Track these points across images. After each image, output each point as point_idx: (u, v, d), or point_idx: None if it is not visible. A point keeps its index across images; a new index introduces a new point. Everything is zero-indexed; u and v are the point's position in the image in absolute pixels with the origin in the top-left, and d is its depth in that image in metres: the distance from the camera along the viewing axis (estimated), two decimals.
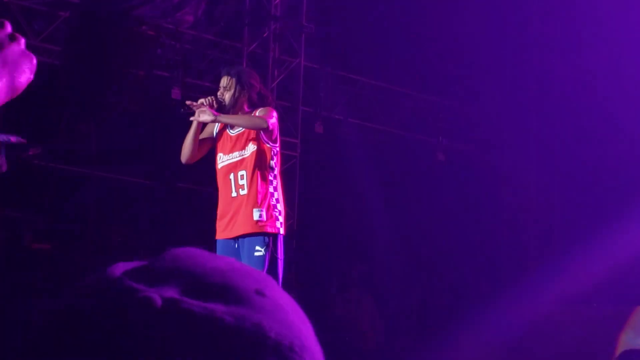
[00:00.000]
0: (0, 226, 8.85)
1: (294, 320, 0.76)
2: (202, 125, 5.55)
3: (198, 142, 5.50)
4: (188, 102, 5.46)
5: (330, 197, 11.11)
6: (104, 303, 0.71)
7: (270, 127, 5.36)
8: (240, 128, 5.48)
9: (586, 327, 9.36)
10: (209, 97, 5.49)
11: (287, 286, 9.19)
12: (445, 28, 11.37)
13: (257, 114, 5.47)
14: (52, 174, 9.15)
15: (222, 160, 5.52)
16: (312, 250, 10.49)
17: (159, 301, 0.70)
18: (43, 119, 9.04)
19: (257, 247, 5.32)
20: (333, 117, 10.88)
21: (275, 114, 5.52)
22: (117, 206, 9.61)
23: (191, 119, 5.41)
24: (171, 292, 0.72)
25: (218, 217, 5.53)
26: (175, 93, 9.56)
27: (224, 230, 5.47)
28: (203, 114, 5.35)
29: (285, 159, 9.35)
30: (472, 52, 11.61)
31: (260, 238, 5.35)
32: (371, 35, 11.25)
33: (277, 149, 5.55)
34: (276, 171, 5.52)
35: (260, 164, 5.43)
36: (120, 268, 0.76)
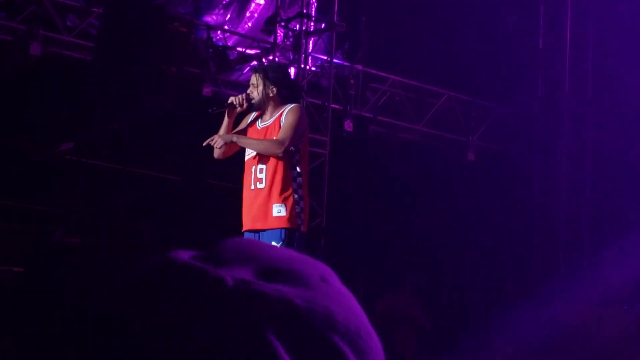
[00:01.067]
0: (32, 221, 8.93)
1: (356, 308, 0.76)
2: (235, 121, 5.60)
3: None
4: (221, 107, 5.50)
5: (359, 195, 11.10)
6: (174, 283, 0.70)
7: (284, 152, 5.38)
8: (269, 121, 5.52)
9: (617, 329, 9.28)
10: (239, 96, 5.53)
11: None
12: (478, 26, 11.31)
13: (283, 117, 5.47)
14: (84, 169, 9.21)
15: (248, 152, 5.57)
16: (339, 248, 10.48)
17: (230, 281, 0.69)
18: (75, 114, 9.11)
19: (273, 242, 5.35)
20: (363, 115, 10.87)
21: (300, 116, 5.51)
22: (147, 201, 9.66)
23: (213, 143, 5.47)
24: (241, 274, 0.71)
25: (243, 209, 5.59)
26: (207, 90, 9.60)
27: (246, 223, 5.54)
28: (220, 141, 5.42)
29: (314, 157, 9.36)
30: (506, 51, 11.55)
31: (277, 233, 5.38)
32: (403, 33, 11.22)
33: (299, 146, 5.55)
34: (300, 168, 5.53)
35: (281, 160, 5.44)
36: (183, 253, 0.75)
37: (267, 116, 5.59)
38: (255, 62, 10.17)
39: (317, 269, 0.76)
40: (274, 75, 5.60)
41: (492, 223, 11.49)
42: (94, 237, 9.14)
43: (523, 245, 11.71)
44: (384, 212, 11.20)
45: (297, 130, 5.43)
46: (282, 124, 5.47)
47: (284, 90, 5.60)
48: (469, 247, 11.48)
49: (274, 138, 5.44)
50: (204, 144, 5.50)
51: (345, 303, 0.75)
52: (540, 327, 9.63)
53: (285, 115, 5.50)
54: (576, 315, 9.73)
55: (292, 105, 5.56)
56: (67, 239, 8.93)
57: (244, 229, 5.57)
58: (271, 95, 5.55)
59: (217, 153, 5.59)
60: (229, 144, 5.48)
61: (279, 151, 5.36)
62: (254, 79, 5.59)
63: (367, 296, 10.43)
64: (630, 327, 9.26)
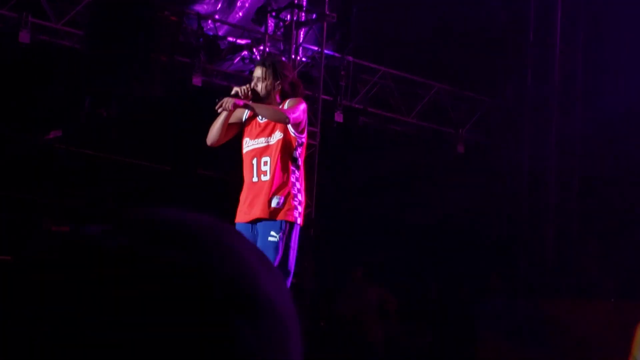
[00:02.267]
0: (19, 209, 8.90)
1: (252, 261, 0.74)
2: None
3: (227, 126, 5.53)
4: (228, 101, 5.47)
5: (349, 186, 11.11)
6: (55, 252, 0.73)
7: (292, 121, 5.39)
8: None
9: (601, 322, 9.32)
10: (244, 87, 5.51)
11: (302, 274, 9.20)
12: (468, 19, 11.32)
13: (285, 105, 5.49)
14: (73, 157, 9.19)
15: (248, 145, 5.57)
16: (328, 239, 10.49)
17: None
18: (64, 102, 9.08)
19: (272, 233, 5.36)
20: (353, 107, 10.87)
21: (303, 106, 5.54)
22: (136, 191, 9.65)
23: (220, 109, 5.43)
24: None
25: (240, 201, 5.57)
26: (197, 79, 9.58)
27: (242, 214, 5.52)
28: (229, 103, 5.38)
29: None
30: (495, 44, 11.56)
31: (277, 224, 5.38)
32: (393, 25, 11.22)
33: (303, 140, 5.57)
34: (300, 162, 5.56)
35: (284, 152, 5.47)
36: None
37: (271, 106, 5.58)
38: (246, 52, 10.16)
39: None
40: (281, 70, 5.61)
41: (481, 215, 11.52)
42: (83, 226, 9.11)
43: (511, 238, 11.74)
44: (373, 204, 11.22)
45: (300, 111, 5.46)
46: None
47: (287, 86, 5.61)
48: (458, 239, 11.51)
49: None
50: (216, 108, 5.46)
51: (235, 260, 0.74)
52: (526, 318, 9.66)
53: (288, 102, 5.52)
54: (562, 307, 9.77)
55: (292, 98, 5.57)
56: (56, 228, 8.91)
57: (239, 220, 5.55)
58: (276, 89, 5.56)
59: (213, 135, 5.53)
60: (232, 110, 5.45)
61: (287, 121, 5.38)
62: (260, 72, 5.58)
63: (354, 286, 10.44)
64: (615, 319, 9.30)
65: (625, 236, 10.42)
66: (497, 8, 11.57)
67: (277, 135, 5.51)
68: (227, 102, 5.40)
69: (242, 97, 5.47)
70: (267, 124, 5.55)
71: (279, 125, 5.50)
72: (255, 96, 5.52)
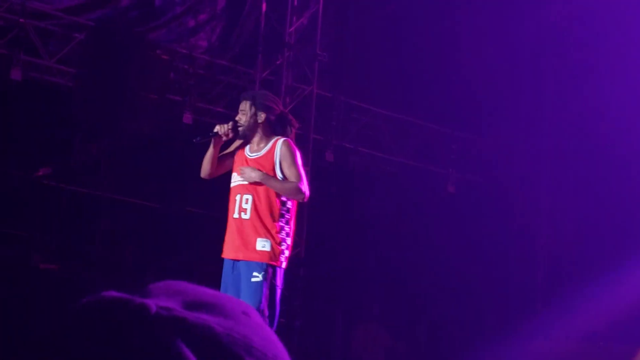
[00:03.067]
0: (9, 246, 8.84)
1: (275, 339, 0.82)
2: (225, 143, 5.56)
3: (217, 159, 5.49)
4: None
5: (340, 226, 11.08)
6: (101, 312, 0.75)
7: (306, 192, 5.38)
8: (260, 152, 5.48)
9: None
10: (225, 125, 5.48)
11: (291, 315, 9.13)
12: (457, 60, 11.38)
13: (276, 151, 5.42)
14: (62, 194, 9.15)
15: (234, 180, 5.51)
16: (318, 280, 10.44)
17: (153, 307, 0.74)
18: (54, 139, 9.06)
19: (255, 273, 5.28)
20: (344, 146, 10.88)
21: (298, 154, 5.51)
22: (126, 228, 9.60)
23: (240, 176, 5.46)
24: (165, 303, 0.76)
25: (225, 235, 5.53)
26: (187, 117, 9.58)
27: (227, 250, 5.47)
28: (247, 173, 5.38)
29: None
30: (485, 83, 11.61)
31: (260, 265, 5.31)
32: (384, 65, 11.27)
33: None
34: (289, 204, 5.47)
35: (269, 193, 5.39)
36: (114, 292, 0.80)
37: (254, 145, 5.53)
38: (237, 91, 10.17)
39: (240, 305, 0.82)
40: (262, 101, 5.58)
41: (473, 255, 11.49)
42: (72, 263, 9.06)
43: (503, 278, 11.70)
44: (364, 244, 11.18)
45: (301, 166, 5.44)
46: (277, 162, 5.41)
47: (272, 118, 5.58)
48: (449, 280, 11.47)
49: (293, 181, 5.39)
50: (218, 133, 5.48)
51: (264, 335, 0.80)
52: None
53: (280, 155, 5.43)
54: (555, 350, 9.72)
55: (282, 139, 5.50)
56: (44, 265, 8.85)
57: (224, 255, 5.50)
58: (259, 121, 5.52)
59: (204, 168, 5.50)
60: (220, 141, 5.45)
61: (301, 196, 5.36)
62: (243, 105, 5.56)
63: (345, 326, 10.37)
64: None
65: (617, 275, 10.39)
66: (489, 48, 11.63)
67: None
68: (247, 170, 5.41)
69: (222, 135, 5.45)
70: (254, 163, 5.49)
71: (268, 166, 5.45)
72: (236, 130, 5.50)
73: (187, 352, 0.73)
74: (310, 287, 10.02)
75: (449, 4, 11.29)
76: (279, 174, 5.42)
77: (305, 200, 5.43)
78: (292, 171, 5.39)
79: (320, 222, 10.46)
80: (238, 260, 5.39)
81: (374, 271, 11.15)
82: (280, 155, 5.43)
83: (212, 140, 5.45)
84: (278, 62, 10.18)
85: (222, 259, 5.51)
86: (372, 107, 11.17)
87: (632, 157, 10.93)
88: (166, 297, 0.78)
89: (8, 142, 8.84)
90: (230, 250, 5.43)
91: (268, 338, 0.80)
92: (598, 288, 10.13)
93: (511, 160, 12.02)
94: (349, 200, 11.12)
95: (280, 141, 5.48)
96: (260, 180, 5.35)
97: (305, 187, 5.38)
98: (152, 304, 0.75)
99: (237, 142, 5.61)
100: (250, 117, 5.50)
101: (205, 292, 0.81)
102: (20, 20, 8.76)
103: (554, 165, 11.94)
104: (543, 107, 11.96)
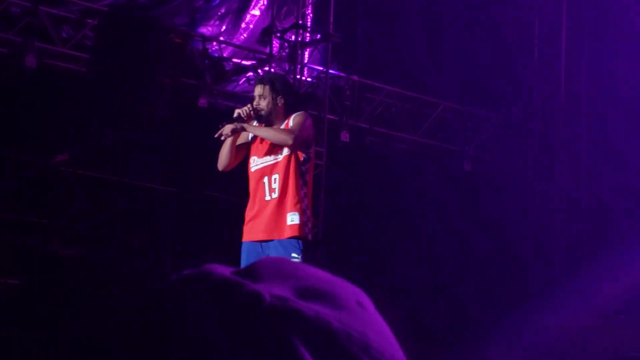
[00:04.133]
0: (28, 232, 8.90)
1: (390, 335, 0.77)
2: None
3: (235, 149, 5.50)
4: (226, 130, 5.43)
5: (356, 206, 11.08)
6: (208, 294, 0.69)
7: (294, 142, 5.35)
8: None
9: (614, 340, 9.26)
10: (245, 108, 5.49)
11: None
12: (472, 37, 11.33)
13: (290, 121, 5.46)
14: (79, 180, 9.19)
15: (256, 163, 5.52)
16: (336, 260, 10.46)
17: (267, 297, 0.69)
18: (70, 125, 9.09)
19: (294, 254, 5.30)
20: (359, 126, 10.86)
21: (308, 121, 5.52)
22: (144, 213, 9.63)
23: (222, 137, 5.41)
24: (278, 291, 0.71)
25: (247, 219, 5.52)
26: (202, 101, 9.59)
27: (252, 233, 5.47)
28: (228, 129, 5.36)
29: None
30: (501, 61, 11.56)
31: (294, 244, 5.34)
32: (397, 43, 11.23)
33: (310, 154, 5.55)
34: (307, 177, 5.52)
35: (293, 168, 5.43)
36: (219, 267, 0.74)
37: (273, 126, 5.56)
38: (251, 73, 10.17)
39: (355, 293, 0.77)
40: (280, 85, 5.58)
41: (490, 233, 11.47)
42: (90, 249, 9.11)
43: (520, 255, 11.69)
44: (380, 224, 11.18)
45: (304, 128, 5.44)
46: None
47: (290, 99, 5.60)
48: (466, 257, 11.46)
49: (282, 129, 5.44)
50: (215, 136, 5.43)
51: (379, 330, 0.75)
52: (537, 337, 9.60)
53: (293, 118, 5.50)
54: (573, 326, 9.71)
55: (299, 112, 5.56)
56: (63, 251, 8.90)
57: (248, 239, 5.49)
58: (279, 104, 5.53)
59: (222, 160, 5.51)
60: (237, 133, 5.44)
61: (289, 139, 5.34)
62: (260, 89, 5.55)
63: None
64: (627, 337, 9.23)
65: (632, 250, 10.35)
66: (502, 26, 11.57)
67: (285, 151, 5.47)
68: (227, 128, 5.39)
69: (244, 118, 5.45)
70: (271, 143, 5.53)
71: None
72: (258, 115, 5.50)
73: (303, 352, 0.68)
74: (327, 268, 10.03)
75: None
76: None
77: (289, 145, 5.38)
78: (293, 125, 5.42)
79: (337, 202, 10.47)
80: (268, 241, 5.40)
81: (391, 251, 11.15)
82: (292, 121, 5.47)
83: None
84: (292, 43, 10.17)
85: (241, 243, 5.52)
86: (386, 87, 11.13)
87: None
88: (278, 282, 0.72)
89: (24, 130, 8.88)
90: (258, 232, 5.43)
91: (384, 334, 0.75)
92: (618, 263, 10.10)
93: (528, 138, 11.97)
94: (365, 181, 11.12)
95: (295, 114, 5.52)
96: (241, 129, 5.37)
97: (292, 135, 5.34)
98: (266, 292, 0.69)
99: (246, 133, 5.61)
100: (270, 101, 5.50)
101: (319, 277, 0.75)
102: (34, 7, 8.78)
103: (570, 141, 11.89)
104: (558, 87, 11.88)
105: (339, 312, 0.71)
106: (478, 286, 11.40)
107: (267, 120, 5.52)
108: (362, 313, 0.74)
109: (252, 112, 5.46)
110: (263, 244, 5.42)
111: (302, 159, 5.48)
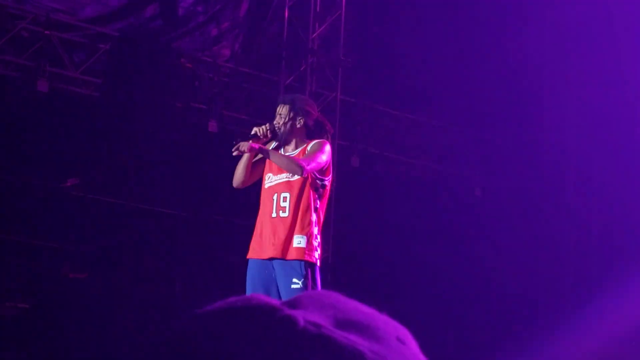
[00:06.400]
0: (39, 256, 8.92)
1: None
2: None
3: (251, 166, 5.46)
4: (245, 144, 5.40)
5: (366, 231, 11.07)
6: (245, 317, 0.71)
7: (307, 173, 5.31)
8: (292, 153, 5.44)
9: None
10: (263, 126, 5.45)
11: None
12: (484, 62, 11.34)
13: (309, 147, 5.41)
14: (90, 204, 9.21)
15: (271, 180, 5.46)
16: (345, 285, 10.43)
17: (301, 321, 0.70)
18: (81, 149, 9.13)
19: (294, 280, 5.24)
20: (369, 151, 10.87)
21: (327, 148, 5.45)
22: (154, 237, 9.64)
23: (235, 153, 5.37)
24: (315, 318, 0.72)
25: (254, 236, 5.47)
26: (212, 125, 9.61)
27: (258, 250, 5.42)
28: (245, 146, 5.32)
29: None
30: (513, 87, 11.57)
31: (297, 268, 5.28)
32: (409, 69, 11.25)
33: (326, 182, 5.46)
34: (320, 204, 5.45)
35: (305, 190, 5.37)
36: (258, 296, 0.76)
37: (289, 149, 5.48)
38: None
39: (396, 328, 0.78)
40: (301, 106, 5.54)
41: (501, 259, 11.43)
42: (100, 272, 9.12)
43: (531, 281, 11.64)
44: (390, 249, 11.16)
45: (320, 158, 5.36)
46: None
47: (311, 122, 5.54)
48: (478, 283, 11.42)
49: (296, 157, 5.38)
50: (232, 151, 5.38)
51: None
52: None
53: (311, 146, 5.45)
54: (586, 351, 9.65)
55: (318, 140, 5.51)
56: (74, 275, 8.91)
57: (253, 256, 5.46)
58: (298, 126, 5.48)
59: (238, 176, 5.46)
60: (253, 153, 5.37)
61: (300, 171, 5.28)
62: (280, 108, 5.53)
63: None
64: None
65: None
66: (509, 47, 11.58)
67: None
68: (243, 145, 5.34)
69: (261, 137, 5.41)
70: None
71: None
72: (275, 134, 5.46)
73: None
74: (337, 291, 10.00)
75: (472, 8, 11.25)
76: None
77: (303, 174, 5.34)
78: (307, 155, 5.37)
79: (347, 227, 10.45)
80: (272, 260, 5.36)
81: (401, 276, 11.12)
82: (310, 147, 5.42)
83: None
84: (302, 69, 10.20)
85: (247, 258, 5.48)
86: (396, 112, 11.14)
87: None
88: (317, 311, 0.73)
89: (36, 154, 8.92)
90: (263, 249, 5.38)
91: None
92: (630, 289, 10.04)
93: (539, 163, 11.95)
94: (375, 206, 11.10)
95: (314, 141, 5.47)
96: (256, 151, 5.32)
97: (306, 163, 5.27)
98: (300, 317, 0.71)
99: (269, 147, 5.58)
100: (289, 121, 5.47)
101: (360, 310, 0.76)
102: (46, 32, 8.84)
103: (580, 164, 11.87)
104: (566, 106, 11.88)
105: (375, 345, 0.71)
106: (488, 311, 11.34)
107: (285, 140, 5.48)
108: (400, 348, 0.74)
109: (268, 132, 5.42)
110: (267, 262, 5.38)
111: (316, 184, 5.43)
